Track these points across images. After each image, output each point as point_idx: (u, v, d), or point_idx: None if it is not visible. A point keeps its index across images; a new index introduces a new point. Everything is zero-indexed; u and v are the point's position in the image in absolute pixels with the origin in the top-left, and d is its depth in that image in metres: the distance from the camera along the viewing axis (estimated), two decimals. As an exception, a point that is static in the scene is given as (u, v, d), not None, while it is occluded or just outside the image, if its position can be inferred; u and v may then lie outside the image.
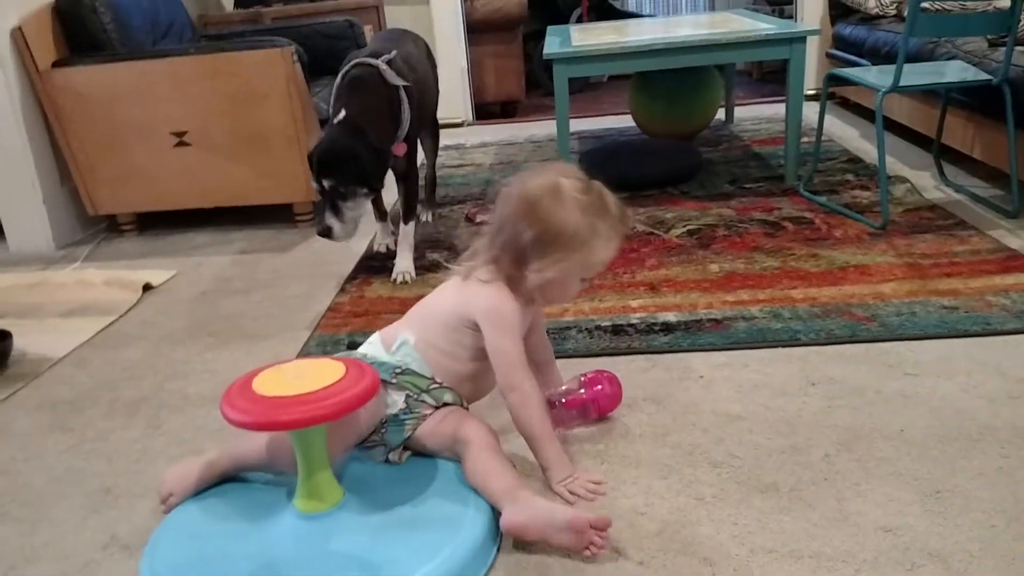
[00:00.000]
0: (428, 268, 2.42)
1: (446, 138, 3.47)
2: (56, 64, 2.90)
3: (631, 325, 1.93)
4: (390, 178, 2.32)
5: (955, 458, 1.35)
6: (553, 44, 2.97)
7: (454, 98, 4.52)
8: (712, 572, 1.15)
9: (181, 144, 2.91)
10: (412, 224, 2.42)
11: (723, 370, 1.71)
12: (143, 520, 1.38)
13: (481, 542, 1.20)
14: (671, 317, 1.95)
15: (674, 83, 3.51)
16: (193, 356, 2.02)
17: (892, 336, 1.78)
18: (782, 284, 2.09)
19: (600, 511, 1.28)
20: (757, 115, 4.20)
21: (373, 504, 1.28)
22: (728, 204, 2.77)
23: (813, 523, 1.23)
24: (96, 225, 3.21)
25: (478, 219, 2.81)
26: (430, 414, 1.39)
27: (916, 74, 2.58)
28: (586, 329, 1.93)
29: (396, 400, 1.38)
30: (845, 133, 3.68)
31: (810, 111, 3.26)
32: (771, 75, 5.55)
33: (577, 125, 3.86)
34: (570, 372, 1.60)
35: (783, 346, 1.78)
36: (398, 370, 1.38)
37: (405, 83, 2.26)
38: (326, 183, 2.13)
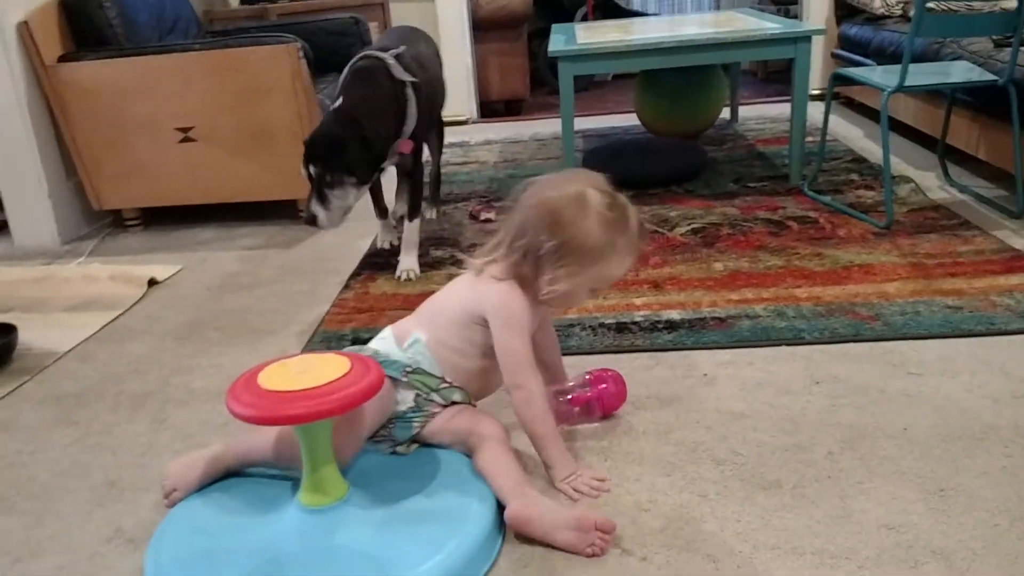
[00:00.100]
0: (432, 265, 2.42)
1: (450, 135, 3.47)
2: (62, 59, 2.91)
3: (635, 323, 1.93)
4: (392, 176, 2.32)
5: (959, 457, 1.36)
6: (558, 42, 2.97)
7: (459, 95, 4.52)
8: (715, 568, 1.15)
9: (186, 140, 2.91)
10: (417, 222, 2.42)
11: (727, 368, 1.71)
12: (148, 513, 1.38)
13: (486, 535, 1.21)
14: (675, 315, 1.96)
15: (679, 82, 3.51)
16: (198, 351, 2.02)
17: (896, 335, 1.78)
18: (786, 283, 2.09)
19: (603, 508, 1.28)
20: (762, 114, 4.20)
21: (378, 498, 1.28)
22: (732, 203, 2.77)
23: (816, 520, 1.23)
24: (101, 220, 3.22)
25: (482, 217, 2.81)
26: (438, 412, 1.40)
27: (921, 74, 2.57)
28: (590, 326, 1.93)
29: (406, 398, 1.38)
30: (850, 133, 3.68)
31: (815, 111, 3.26)
32: (776, 75, 5.55)
33: (582, 123, 3.86)
34: (574, 369, 1.60)
35: (787, 345, 1.78)
36: (409, 369, 1.39)
37: (412, 79, 2.26)
38: (313, 170, 2.12)
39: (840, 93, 4.23)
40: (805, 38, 2.78)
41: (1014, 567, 1.11)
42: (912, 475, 1.32)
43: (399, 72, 2.24)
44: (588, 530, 1.19)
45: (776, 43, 2.83)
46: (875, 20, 3.87)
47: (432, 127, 2.71)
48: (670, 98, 3.59)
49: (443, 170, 3.05)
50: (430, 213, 2.89)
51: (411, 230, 2.40)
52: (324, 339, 2.00)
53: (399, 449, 1.40)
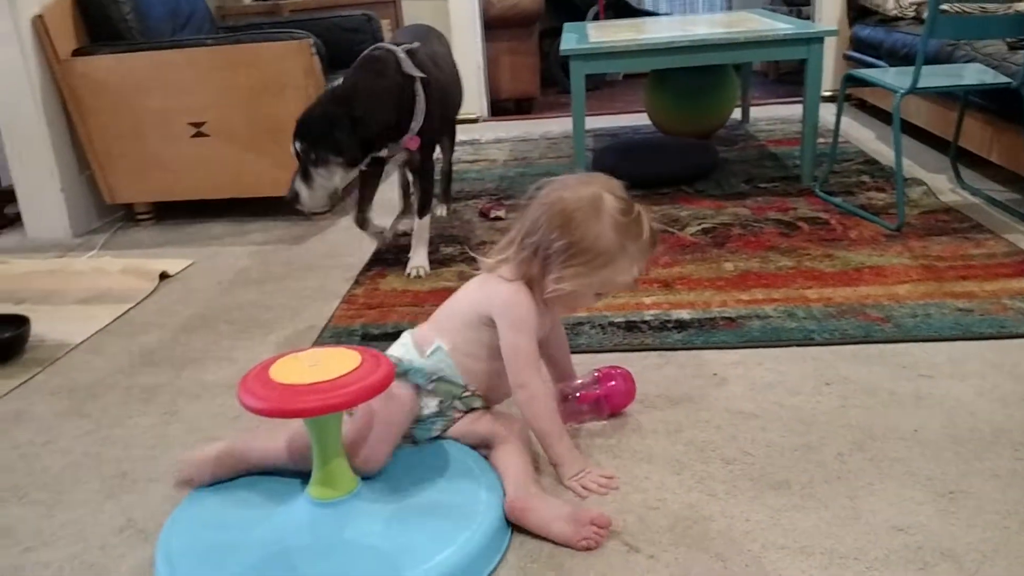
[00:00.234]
0: (442, 262, 2.43)
1: (461, 133, 3.47)
2: (76, 53, 2.93)
3: (645, 322, 1.93)
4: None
5: (969, 459, 1.35)
6: (570, 40, 2.97)
7: (469, 93, 4.48)
8: (723, 567, 1.15)
9: (199, 135, 2.93)
10: (427, 219, 2.42)
11: (737, 368, 1.71)
12: (159, 505, 1.39)
13: (495, 530, 1.21)
14: (685, 315, 1.96)
15: (690, 81, 3.51)
16: (209, 344, 2.03)
17: (906, 337, 1.77)
18: (797, 284, 2.09)
19: (611, 506, 1.29)
20: (773, 115, 4.19)
21: (387, 491, 1.29)
22: (743, 203, 2.77)
23: (825, 521, 1.23)
24: (113, 214, 3.23)
25: (492, 214, 2.81)
26: (459, 417, 1.42)
27: (934, 76, 2.57)
28: (599, 325, 1.93)
29: (429, 404, 1.40)
30: (861, 135, 3.67)
31: (826, 112, 3.25)
32: (787, 76, 5.54)
33: (592, 123, 3.86)
34: (583, 368, 1.60)
35: (797, 345, 1.78)
36: (435, 376, 1.39)
37: (422, 75, 2.25)
38: (300, 146, 2.11)
39: (852, 95, 4.22)
40: (818, 39, 2.78)
41: (1023, 570, 1.11)
42: (922, 477, 1.32)
43: (408, 67, 2.23)
44: (584, 523, 1.20)
45: (788, 44, 2.83)
46: (888, 22, 3.86)
47: (446, 127, 2.70)
48: (681, 98, 3.59)
49: (453, 167, 3.05)
50: (441, 210, 2.89)
51: (421, 227, 2.40)
52: (334, 335, 2.00)
53: (417, 442, 1.43)
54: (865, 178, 2.96)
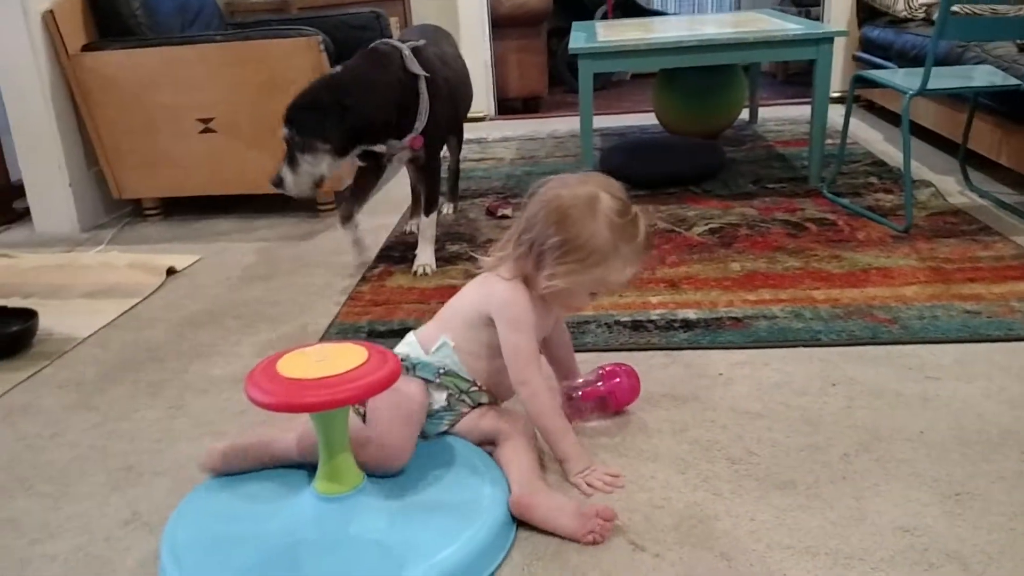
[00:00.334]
0: (448, 260, 2.43)
1: (468, 132, 3.46)
2: (86, 48, 2.93)
3: (651, 321, 1.93)
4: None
5: (975, 461, 1.35)
6: (579, 39, 2.97)
7: (477, 92, 4.46)
8: (728, 566, 1.15)
9: (207, 131, 2.93)
10: (433, 217, 2.42)
11: (743, 368, 1.70)
12: (164, 498, 1.39)
13: (500, 526, 1.21)
14: (691, 314, 1.95)
15: (699, 81, 3.50)
16: (216, 339, 2.04)
17: (913, 339, 1.77)
18: (804, 284, 2.08)
19: (617, 504, 1.28)
20: (781, 116, 4.19)
21: (393, 487, 1.29)
22: (751, 204, 2.76)
23: (831, 521, 1.23)
24: (121, 209, 3.24)
25: (499, 213, 2.82)
26: (467, 412, 1.43)
27: (944, 77, 2.56)
28: (605, 324, 1.93)
29: (438, 398, 1.40)
30: (870, 136, 3.66)
31: (834, 114, 3.24)
32: (796, 76, 5.53)
33: (600, 122, 3.85)
34: (588, 366, 1.60)
35: (804, 346, 1.78)
36: (442, 371, 1.40)
37: (426, 74, 2.24)
38: (286, 131, 2.11)
39: (861, 96, 4.21)
40: (827, 39, 2.77)
41: (1030, 572, 1.11)
42: (928, 478, 1.31)
43: (412, 64, 2.22)
44: (589, 516, 1.20)
45: (797, 44, 2.82)
46: (898, 23, 3.84)
47: (454, 127, 2.70)
48: (690, 98, 3.59)
49: (460, 166, 3.05)
50: (447, 208, 2.89)
51: (428, 225, 2.40)
52: (340, 331, 2.01)
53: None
54: (873, 179, 2.96)
